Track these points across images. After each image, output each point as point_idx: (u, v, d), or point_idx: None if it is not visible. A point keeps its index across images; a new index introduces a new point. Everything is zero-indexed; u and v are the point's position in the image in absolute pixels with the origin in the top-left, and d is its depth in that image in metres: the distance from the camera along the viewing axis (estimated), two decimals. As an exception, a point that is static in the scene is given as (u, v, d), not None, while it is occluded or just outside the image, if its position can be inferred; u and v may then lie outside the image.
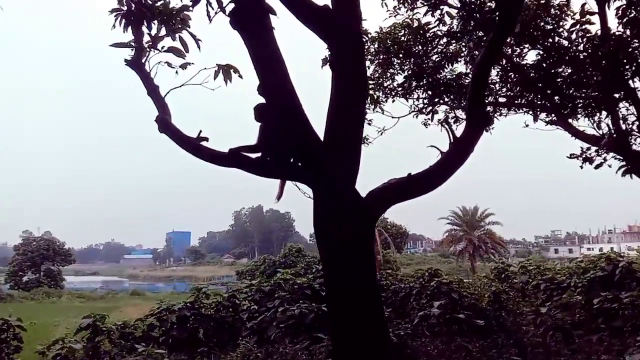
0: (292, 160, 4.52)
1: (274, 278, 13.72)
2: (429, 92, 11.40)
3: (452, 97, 11.74)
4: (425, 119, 11.21)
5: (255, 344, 10.77)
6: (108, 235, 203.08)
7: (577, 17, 9.08)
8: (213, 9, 4.56)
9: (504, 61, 10.16)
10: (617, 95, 8.17)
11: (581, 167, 8.36)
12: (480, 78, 4.48)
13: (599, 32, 8.07)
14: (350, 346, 3.89)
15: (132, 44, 5.52)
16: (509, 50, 11.00)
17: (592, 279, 13.91)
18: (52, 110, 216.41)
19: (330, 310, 4.27)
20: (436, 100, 11.68)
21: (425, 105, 11.51)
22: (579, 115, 9.61)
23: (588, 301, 11.99)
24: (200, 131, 4.89)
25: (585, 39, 8.89)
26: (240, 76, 5.19)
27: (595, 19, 7.84)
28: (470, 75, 11.75)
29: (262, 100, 4.46)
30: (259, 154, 4.57)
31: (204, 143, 4.85)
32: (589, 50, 8.74)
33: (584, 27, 8.31)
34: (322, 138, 4.34)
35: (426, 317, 11.68)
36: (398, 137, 12.22)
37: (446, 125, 4.57)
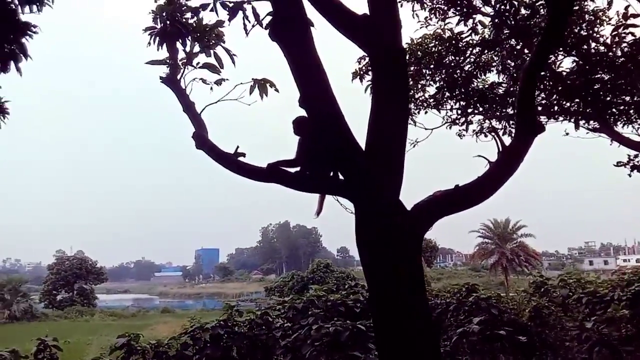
0: (332, 174, 4.38)
1: (306, 295, 13.51)
2: (462, 103, 11.19)
3: (486, 106, 11.51)
4: (459, 130, 10.99)
5: (289, 363, 10.57)
6: (139, 253, 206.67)
7: (614, 21, 8.83)
8: (250, 22, 4.50)
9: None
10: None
11: (629, 175, 8.02)
12: (528, 83, 4.28)
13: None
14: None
15: (167, 60, 5.49)
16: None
17: (637, 291, 13.33)
18: (86, 126, 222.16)
19: (379, 332, 4.06)
20: (469, 110, 11.47)
21: (459, 116, 11.28)
22: (619, 122, 9.27)
23: (635, 315, 11.47)
24: (238, 147, 4.80)
25: (625, 43, 8.60)
26: (277, 90, 5.11)
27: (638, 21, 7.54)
28: (503, 84, 11.58)
29: (300, 113, 4.35)
30: (297, 168, 4.45)
31: (241, 158, 4.76)
32: (630, 54, 8.44)
33: (627, 30, 8.00)
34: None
35: (465, 333, 11.32)
36: (432, 150, 11.96)
37: (495, 135, 4.35)
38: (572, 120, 9.23)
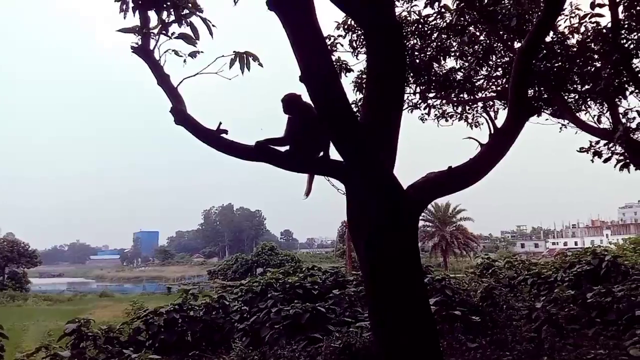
0: (322, 154, 4.22)
1: (263, 278, 13.37)
2: (422, 87, 11.25)
3: (449, 91, 11.65)
4: (422, 114, 11.05)
5: (249, 346, 10.43)
6: (73, 236, 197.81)
7: (567, 12, 9.09)
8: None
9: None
10: (627, 87, 8.16)
11: (592, 160, 8.34)
12: (524, 65, 4.28)
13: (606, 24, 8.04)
14: (400, 349, 3.63)
15: (140, 29, 5.11)
16: (500, 45, 10.97)
17: (579, 273, 14.10)
18: (22, 102, 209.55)
19: (376, 312, 3.99)
20: (430, 95, 11.57)
21: (419, 100, 11.35)
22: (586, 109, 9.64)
23: (578, 295, 12.08)
24: (220, 123, 4.54)
25: (579, 34, 8.90)
26: (261, 64, 4.86)
27: (605, 10, 7.78)
28: (461, 70, 11.72)
29: (289, 90, 4.16)
30: (287, 147, 4.26)
31: (223, 135, 4.51)
32: (584, 44, 8.75)
33: (592, 19, 8.25)
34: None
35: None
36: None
37: (487, 116, 4.33)
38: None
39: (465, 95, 12.05)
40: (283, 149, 4.33)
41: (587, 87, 8.61)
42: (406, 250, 3.76)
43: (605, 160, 7.86)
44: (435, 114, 10.96)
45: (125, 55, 5.22)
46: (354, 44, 10.63)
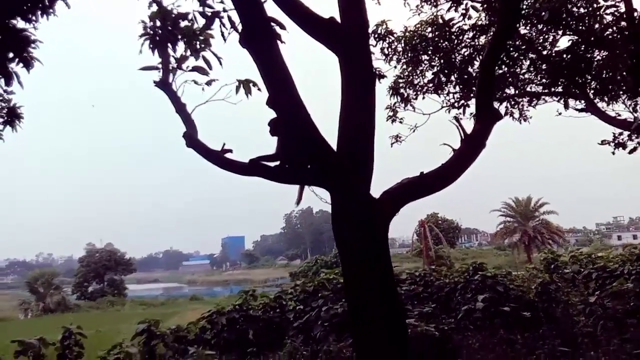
0: (308, 167, 4.74)
1: (317, 278, 14.00)
2: (460, 86, 11.39)
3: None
4: (457, 114, 11.20)
5: (301, 343, 11.08)
6: (167, 243, 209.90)
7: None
8: (227, 29, 4.87)
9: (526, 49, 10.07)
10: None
11: (613, 152, 8.16)
12: (486, 76, 4.57)
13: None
14: (370, 343, 4.09)
15: (159, 65, 5.90)
16: (540, 38, 10.87)
17: (647, 266, 13.43)
18: (110, 119, 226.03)
19: (350, 308, 4.48)
20: (467, 94, 11.66)
21: (457, 100, 11.50)
22: (615, 100, 9.39)
23: (640, 288, 11.61)
24: (224, 144, 5.20)
25: (615, 21, 8.71)
26: (259, 89, 5.48)
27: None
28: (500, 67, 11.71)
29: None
30: (277, 162, 4.83)
31: (228, 155, 5.16)
32: (619, 33, 8.55)
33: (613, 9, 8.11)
34: (335, 143, 4.55)
35: (471, 311, 11.67)
36: (430, 134, 12.20)
37: (456, 122, 4.64)
38: (562, 100, 9.37)
39: (512, 90, 12.05)
40: (275, 164, 4.91)
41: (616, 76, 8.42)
42: (375, 251, 4.20)
43: (631, 151, 7.69)
44: (471, 113, 11.05)
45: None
46: (385, 50, 11.01)
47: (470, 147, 4.57)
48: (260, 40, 4.09)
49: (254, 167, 4.81)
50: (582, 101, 9.29)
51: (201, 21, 5.24)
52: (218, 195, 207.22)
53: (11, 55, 7.03)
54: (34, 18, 6.71)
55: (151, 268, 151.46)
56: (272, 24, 4.79)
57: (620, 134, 8.25)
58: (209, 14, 5.07)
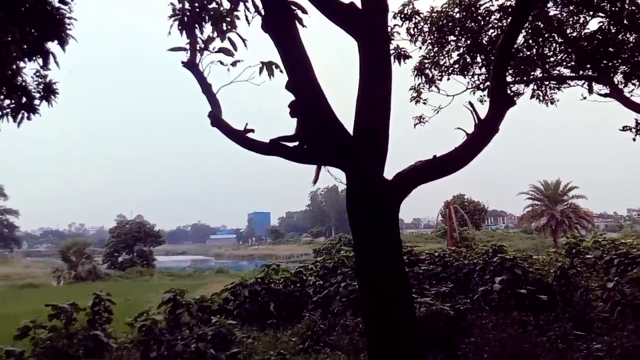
0: (325, 148, 4.94)
1: (337, 255, 14.32)
2: (486, 68, 11.34)
3: (514, 71, 11.63)
4: (481, 96, 11.18)
5: (319, 317, 11.44)
6: (195, 217, 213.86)
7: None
8: (251, 12, 5.07)
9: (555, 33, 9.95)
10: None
11: (634, 139, 8.09)
12: (501, 62, 4.66)
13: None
14: (377, 317, 4.32)
15: (187, 47, 6.13)
16: (570, 20, 10.72)
17: (671, 252, 13.26)
18: (141, 104, 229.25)
19: (360, 283, 4.71)
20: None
21: (482, 82, 11.46)
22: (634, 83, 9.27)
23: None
24: (247, 124, 5.44)
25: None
26: (281, 70, 5.67)
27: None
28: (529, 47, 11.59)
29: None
30: (296, 143, 5.04)
31: (250, 134, 5.40)
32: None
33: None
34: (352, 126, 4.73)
35: (488, 292, 11.82)
36: (454, 117, 12.23)
37: (470, 107, 4.76)
38: (586, 85, 9.28)
39: (539, 72, 11.95)
40: (294, 144, 5.13)
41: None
42: (386, 230, 4.40)
43: (651, 138, 7.62)
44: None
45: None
46: (412, 31, 11.01)
47: (483, 132, 4.69)
48: (280, 25, 4.28)
49: (274, 147, 5.04)
50: (607, 86, 9.19)
51: (227, 4, 5.43)
52: (245, 171, 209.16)
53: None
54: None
55: (179, 240, 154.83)
56: (294, 7, 4.98)
57: (643, 119, 8.19)
58: (233, -1, 5.26)
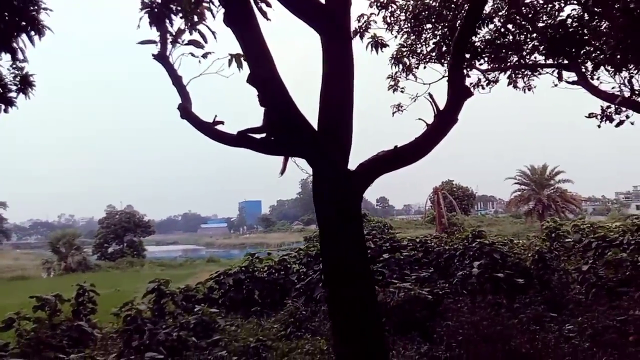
0: (288, 140, 5.05)
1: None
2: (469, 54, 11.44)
3: (486, 57, 11.76)
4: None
5: (302, 303, 11.63)
6: (185, 206, 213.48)
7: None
8: (216, 6, 5.14)
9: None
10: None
11: (599, 126, 8.27)
12: (458, 55, 4.79)
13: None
14: (339, 300, 4.48)
15: (157, 40, 6.18)
16: (547, 7, 10.85)
17: (646, 236, 13.59)
18: (128, 95, 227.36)
19: (324, 268, 4.86)
20: (469, 63, 11.73)
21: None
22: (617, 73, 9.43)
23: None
24: (216, 116, 5.53)
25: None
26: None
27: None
28: (508, 33, 11.71)
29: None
30: (263, 135, 5.15)
31: (219, 126, 5.49)
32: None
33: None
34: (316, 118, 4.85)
35: (467, 276, 12.07)
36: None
37: (430, 99, 4.89)
38: (556, 72, 9.43)
39: (515, 59, 12.09)
40: (261, 136, 5.23)
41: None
42: (349, 219, 4.55)
43: (617, 125, 7.81)
44: (471, 82, 11.16)
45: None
46: (388, 19, 11.08)
47: (443, 122, 4.83)
48: (240, 19, 4.37)
49: (241, 139, 5.15)
50: (576, 74, 9.35)
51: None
52: (235, 159, 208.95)
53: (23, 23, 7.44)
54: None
55: (170, 230, 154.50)
56: (258, 1, 5.06)
57: (608, 107, 8.33)
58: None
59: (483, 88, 11.54)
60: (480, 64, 11.59)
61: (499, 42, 11.71)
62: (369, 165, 4.81)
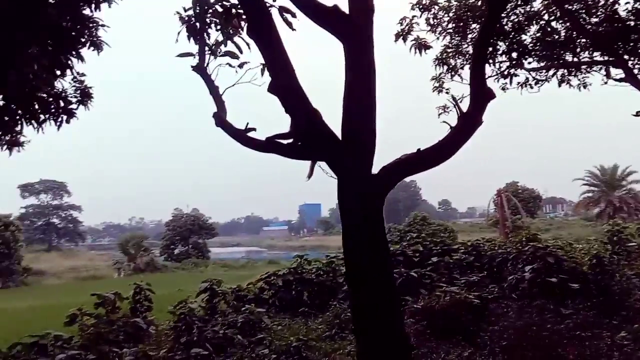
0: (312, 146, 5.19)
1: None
2: (509, 55, 11.21)
3: (544, 54, 11.44)
4: (502, 84, 11.07)
5: (348, 305, 11.71)
6: (248, 209, 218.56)
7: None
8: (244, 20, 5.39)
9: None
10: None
11: None
12: (479, 57, 4.77)
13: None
14: (361, 301, 4.57)
15: (195, 52, 6.53)
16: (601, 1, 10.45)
17: None
18: (193, 100, 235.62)
19: (347, 270, 4.95)
20: (518, 62, 11.47)
21: (507, 68, 11.34)
22: None
23: None
24: (247, 123, 5.79)
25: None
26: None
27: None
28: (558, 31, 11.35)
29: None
30: (290, 140, 5.34)
31: (251, 133, 5.74)
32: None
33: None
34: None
35: (519, 281, 11.74)
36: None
37: (453, 102, 4.89)
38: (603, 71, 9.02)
39: (570, 57, 11.71)
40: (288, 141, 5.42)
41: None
42: (371, 220, 4.64)
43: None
44: (518, 82, 10.88)
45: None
46: (431, 21, 11.03)
47: (466, 125, 4.82)
48: (261, 31, 4.57)
49: (270, 145, 5.36)
50: (621, 71, 8.93)
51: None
52: (295, 163, 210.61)
53: (83, 39, 8.09)
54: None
55: (234, 232, 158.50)
56: (284, 12, 5.26)
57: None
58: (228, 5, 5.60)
59: (532, 87, 11.22)
60: (529, 63, 11.28)
61: (549, 39, 11.38)
62: (391, 168, 4.88)
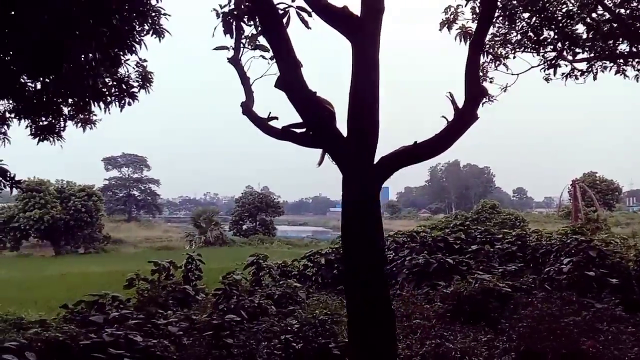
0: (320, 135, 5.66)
1: (405, 231, 14.87)
2: (558, 44, 11.06)
3: (589, 45, 11.22)
4: (546, 74, 10.96)
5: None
6: (316, 190, 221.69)
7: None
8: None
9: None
10: None
11: None
12: (474, 55, 5.02)
13: None
14: (354, 290, 5.07)
15: (231, 46, 7.17)
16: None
17: None
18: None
19: (344, 254, 5.44)
20: (569, 51, 11.30)
21: (554, 58, 11.20)
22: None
23: None
24: (270, 112, 6.38)
25: None
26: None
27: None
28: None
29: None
30: (304, 130, 5.87)
31: (273, 122, 6.33)
32: None
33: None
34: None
35: (557, 272, 11.71)
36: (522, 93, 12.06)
37: (450, 97, 5.18)
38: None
39: (626, 47, 11.42)
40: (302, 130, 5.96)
41: None
42: (366, 209, 5.11)
43: None
44: (563, 73, 10.74)
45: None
46: (477, 10, 11.05)
47: (461, 120, 5.13)
48: (269, 29, 5.13)
49: (285, 133, 5.93)
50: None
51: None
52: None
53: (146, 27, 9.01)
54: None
55: (302, 212, 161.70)
56: (298, 11, 5.79)
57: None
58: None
59: (577, 78, 11.02)
60: (577, 53, 11.07)
61: (606, 29, 11.11)
62: (388, 159, 5.29)
